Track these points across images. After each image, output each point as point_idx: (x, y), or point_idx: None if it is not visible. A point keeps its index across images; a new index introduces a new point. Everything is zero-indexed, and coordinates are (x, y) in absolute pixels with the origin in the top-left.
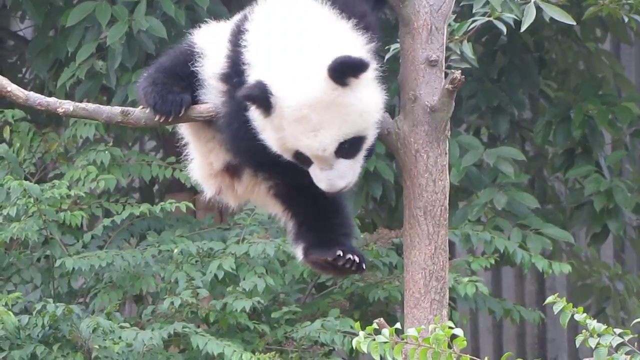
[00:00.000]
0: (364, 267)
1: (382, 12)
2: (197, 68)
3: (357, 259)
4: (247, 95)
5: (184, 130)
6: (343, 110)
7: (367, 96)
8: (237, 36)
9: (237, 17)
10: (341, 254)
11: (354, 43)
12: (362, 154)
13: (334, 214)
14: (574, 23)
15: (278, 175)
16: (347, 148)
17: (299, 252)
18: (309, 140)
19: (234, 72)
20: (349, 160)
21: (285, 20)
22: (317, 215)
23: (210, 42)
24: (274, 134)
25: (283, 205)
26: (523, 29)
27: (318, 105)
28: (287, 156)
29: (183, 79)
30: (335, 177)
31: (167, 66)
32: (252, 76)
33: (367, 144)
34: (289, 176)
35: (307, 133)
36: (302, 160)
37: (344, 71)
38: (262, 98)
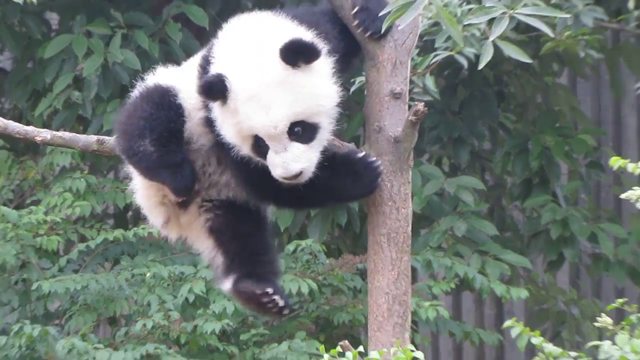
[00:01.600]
0: (285, 312)
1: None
2: (177, 108)
3: (281, 303)
4: (202, 85)
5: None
6: (293, 89)
7: (319, 82)
8: (206, 59)
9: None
10: (270, 292)
11: (310, 36)
12: (317, 142)
13: (266, 252)
14: (530, 61)
15: (278, 194)
16: (301, 132)
17: (227, 283)
18: (261, 118)
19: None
20: (304, 145)
21: (247, 31)
22: (250, 251)
23: (179, 77)
24: (231, 120)
25: (217, 240)
26: (481, 66)
27: (269, 82)
28: (246, 148)
29: (173, 132)
30: (290, 160)
31: (156, 121)
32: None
33: (321, 134)
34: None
35: (259, 111)
36: (259, 147)
37: (295, 52)
38: (217, 83)
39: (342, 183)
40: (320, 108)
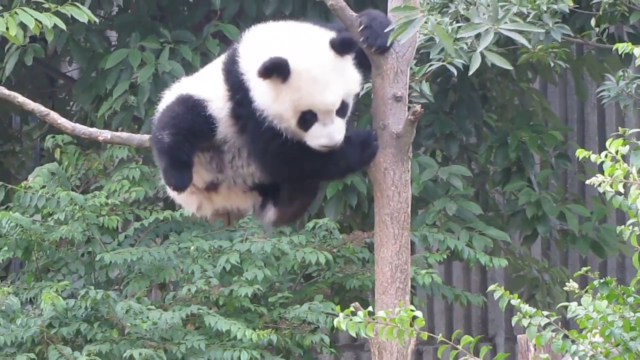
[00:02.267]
0: None
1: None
2: (207, 119)
3: None
4: (267, 67)
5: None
6: (342, 74)
7: (353, 70)
8: (232, 60)
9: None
10: None
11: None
12: (347, 116)
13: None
14: (511, 67)
15: (300, 166)
16: (341, 108)
17: (269, 214)
18: (322, 96)
19: (235, 90)
20: (341, 119)
21: (273, 31)
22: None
23: (202, 87)
24: (289, 96)
25: (258, 193)
26: (471, 72)
27: (326, 67)
28: (293, 121)
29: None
30: (335, 130)
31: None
32: (250, 71)
33: (349, 111)
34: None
35: (320, 91)
36: (304, 121)
37: (343, 44)
38: (282, 65)
39: (348, 153)
40: (353, 90)
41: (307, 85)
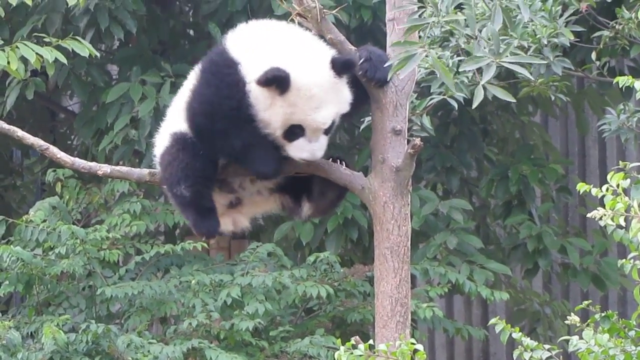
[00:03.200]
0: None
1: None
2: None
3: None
4: (269, 77)
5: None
6: (337, 95)
7: (346, 90)
8: (227, 60)
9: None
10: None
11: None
12: (331, 133)
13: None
14: (513, 100)
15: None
16: (329, 126)
17: (305, 209)
18: (315, 115)
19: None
20: (326, 136)
21: (272, 31)
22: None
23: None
24: (283, 109)
25: (285, 193)
26: (474, 106)
27: (324, 87)
28: (279, 131)
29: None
30: (318, 148)
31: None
32: (251, 66)
33: (334, 127)
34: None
35: (313, 109)
36: (292, 134)
37: (344, 66)
38: (283, 78)
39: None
40: (344, 110)
41: (303, 102)
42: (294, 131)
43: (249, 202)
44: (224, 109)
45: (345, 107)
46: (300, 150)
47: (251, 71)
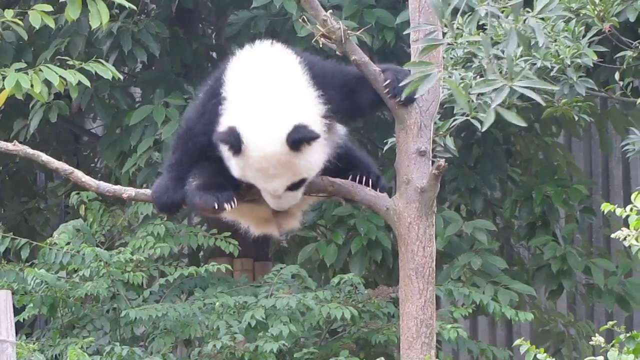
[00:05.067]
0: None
1: (382, 110)
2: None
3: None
4: (223, 139)
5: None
6: (293, 168)
7: (313, 158)
8: (217, 101)
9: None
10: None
11: (312, 112)
12: (303, 187)
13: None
14: (524, 124)
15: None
16: (292, 187)
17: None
18: (265, 184)
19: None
20: (293, 192)
21: (261, 72)
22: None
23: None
24: (237, 168)
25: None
26: (484, 129)
27: (275, 162)
28: (244, 182)
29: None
30: (282, 203)
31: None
32: (227, 116)
33: (307, 182)
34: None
35: (264, 178)
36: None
37: (299, 139)
38: (235, 144)
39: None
40: (309, 175)
41: (251, 172)
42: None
43: (293, 206)
44: (196, 140)
45: (310, 173)
46: (267, 200)
47: (223, 120)
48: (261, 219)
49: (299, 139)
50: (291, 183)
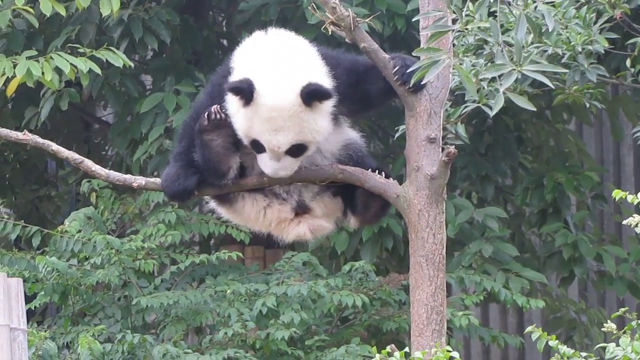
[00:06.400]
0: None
1: (392, 100)
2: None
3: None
4: (235, 87)
5: (240, 221)
6: (301, 124)
7: (320, 122)
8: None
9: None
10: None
11: (325, 79)
12: (302, 156)
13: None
14: (533, 109)
15: None
16: (294, 150)
17: (352, 221)
18: (270, 137)
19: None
20: (293, 158)
21: (273, 47)
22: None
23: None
24: (244, 121)
25: (343, 199)
26: (492, 114)
27: (285, 113)
28: (246, 141)
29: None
30: (279, 168)
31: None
32: (236, 74)
33: (308, 151)
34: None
35: (270, 131)
36: (257, 147)
37: (312, 95)
38: (248, 92)
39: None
40: (313, 139)
41: (260, 121)
42: (257, 144)
43: (316, 205)
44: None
45: (315, 137)
46: (264, 165)
47: (234, 78)
48: (281, 220)
49: (313, 92)
50: (295, 142)
